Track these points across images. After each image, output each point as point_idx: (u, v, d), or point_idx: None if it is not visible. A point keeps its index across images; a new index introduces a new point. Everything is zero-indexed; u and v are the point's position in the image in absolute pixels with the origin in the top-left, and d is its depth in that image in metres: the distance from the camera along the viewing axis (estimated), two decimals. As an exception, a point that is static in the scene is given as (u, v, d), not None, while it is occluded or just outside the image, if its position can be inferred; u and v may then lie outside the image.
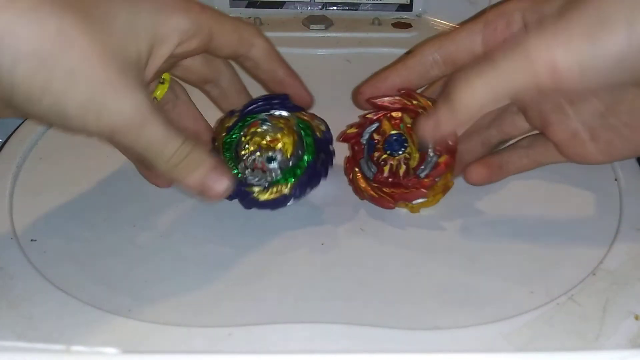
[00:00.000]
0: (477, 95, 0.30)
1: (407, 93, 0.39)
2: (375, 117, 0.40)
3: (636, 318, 0.32)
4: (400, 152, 0.39)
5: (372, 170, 0.39)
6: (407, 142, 0.39)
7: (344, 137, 0.41)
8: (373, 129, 0.40)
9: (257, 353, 0.31)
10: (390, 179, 0.39)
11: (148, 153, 0.34)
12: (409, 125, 0.39)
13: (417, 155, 0.39)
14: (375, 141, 0.40)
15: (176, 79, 0.40)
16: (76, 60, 0.30)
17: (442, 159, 0.37)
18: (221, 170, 0.35)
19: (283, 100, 0.39)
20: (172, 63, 0.37)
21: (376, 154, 0.39)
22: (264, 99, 0.39)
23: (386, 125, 0.39)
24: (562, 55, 0.27)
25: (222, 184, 0.35)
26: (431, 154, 0.38)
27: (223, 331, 0.32)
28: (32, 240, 0.37)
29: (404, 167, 0.39)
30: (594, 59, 0.27)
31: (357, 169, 0.40)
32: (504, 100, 0.30)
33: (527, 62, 0.28)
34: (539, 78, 0.28)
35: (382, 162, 0.39)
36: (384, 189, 0.39)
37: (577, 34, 0.27)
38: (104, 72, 0.31)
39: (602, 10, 0.27)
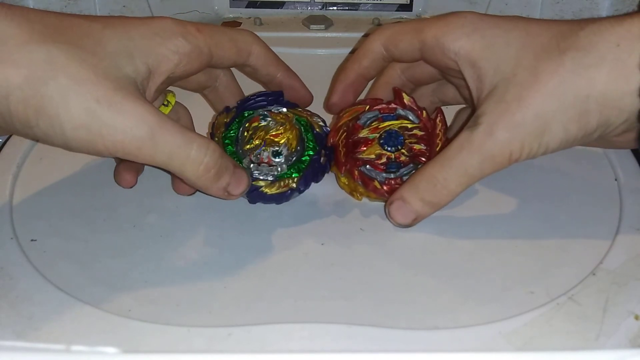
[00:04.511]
0: (455, 190, 0.36)
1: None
2: (380, 106, 0.40)
3: (636, 318, 0.32)
4: (390, 149, 0.39)
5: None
6: (402, 145, 0.39)
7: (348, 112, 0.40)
8: (372, 115, 0.40)
9: (257, 353, 0.31)
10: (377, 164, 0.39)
11: (173, 164, 0.34)
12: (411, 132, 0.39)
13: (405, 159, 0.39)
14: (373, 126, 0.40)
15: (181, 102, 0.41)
16: (66, 82, 0.32)
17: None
18: (240, 172, 0.36)
19: (278, 97, 0.40)
20: (173, 82, 0.38)
21: (362, 133, 0.39)
22: (258, 95, 0.40)
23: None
24: (518, 153, 0.35)
25: (242, 186, 0.36)
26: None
27: (223, 331, 0.32)
28: (32, 240, 0.37)
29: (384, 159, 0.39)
30: (540, 151, 0.35)
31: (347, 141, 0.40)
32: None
33: (493, 161, 0.35)
34: (501, 166, 0.35)
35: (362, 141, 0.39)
36: (355, 171, 0.39)
37: (528, 141, 0.34)
38: (97, 90, 0.32)
39: (543, 118, 0.34)
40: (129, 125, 0.32)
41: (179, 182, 0.39)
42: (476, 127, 0.35)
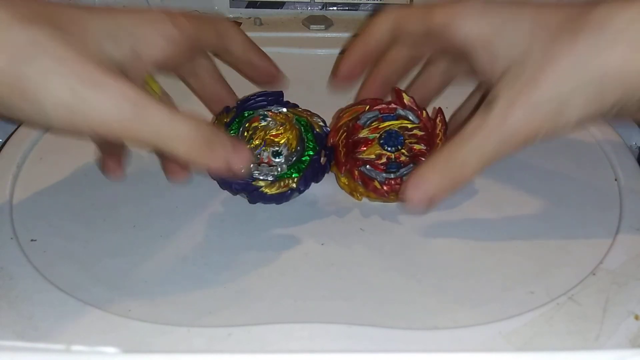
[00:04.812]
0: (471, 173, 0.35)
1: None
2: (381, 106, 0.40)
3: (636, 318, 0.32)
4: (390, 150, 0.39)
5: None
6: (402, 145, 0.39)
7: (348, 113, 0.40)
8: (372, 115, 0.40)
9: (257, 353, 0.31)
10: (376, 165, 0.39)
11: (161, 140, 0.33)
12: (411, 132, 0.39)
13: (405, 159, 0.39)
14: (373, 126, 0.40)
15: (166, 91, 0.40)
16: (49, 62, 0.31)
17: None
18: (237, 144, 0.35)
19: (278, 97, 0.40)
20: (160, 68, 0.38)
21: (362, 133, 0.39)
22: (258, 95, 0.40)
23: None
24: (535, 134, 0.34)
25: (243, 157, 0.35)
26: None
27: (223, 331, 0.32)
28: (32, 240, 0.37)
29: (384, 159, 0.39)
30: (557, 131, 0.34)
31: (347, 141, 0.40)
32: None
33: (509, 143, 0.34)
34: (517, 148, 0.34)
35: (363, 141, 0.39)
36: (355, 171, 0.39)
37: (545, 122, 0.34)
38: (80, 69, 0.31)
39: (559, 99, 0.33)
40: (113, 103, 0.31)
41: (171, 165, 0.39)
42: (491, 110, 0.34)
